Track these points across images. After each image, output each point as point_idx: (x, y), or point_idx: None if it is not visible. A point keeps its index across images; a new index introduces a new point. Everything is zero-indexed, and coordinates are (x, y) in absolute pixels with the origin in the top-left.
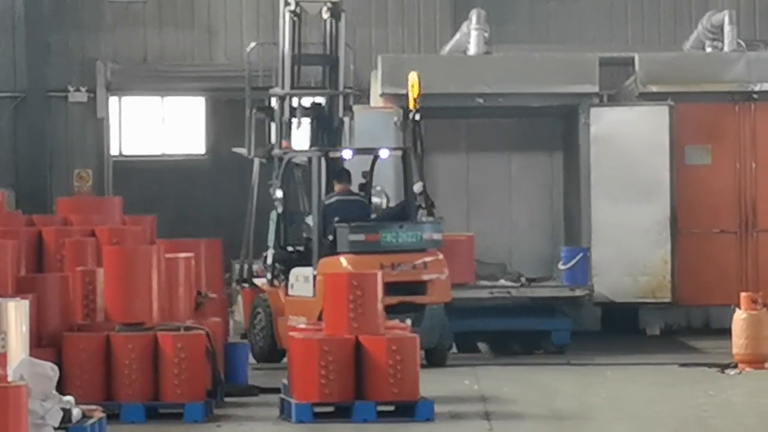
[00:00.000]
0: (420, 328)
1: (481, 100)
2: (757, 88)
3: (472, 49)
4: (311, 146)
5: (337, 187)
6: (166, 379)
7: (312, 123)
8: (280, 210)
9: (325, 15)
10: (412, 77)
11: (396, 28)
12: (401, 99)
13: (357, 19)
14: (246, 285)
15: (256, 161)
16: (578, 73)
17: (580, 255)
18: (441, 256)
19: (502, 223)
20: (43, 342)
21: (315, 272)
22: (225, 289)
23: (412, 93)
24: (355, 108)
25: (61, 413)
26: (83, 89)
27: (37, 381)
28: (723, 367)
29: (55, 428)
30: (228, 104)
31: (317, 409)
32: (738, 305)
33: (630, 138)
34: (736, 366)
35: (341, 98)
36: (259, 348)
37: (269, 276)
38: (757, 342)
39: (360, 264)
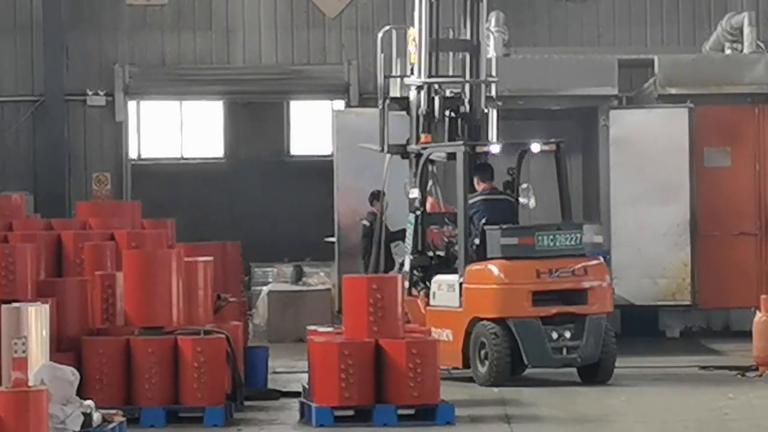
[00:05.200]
0: (580, 341)
1: (499, 103)
2: None
3: (491, 52)
4: (449, 140)
5: (481, 185)
6: (186, 383)
7: (450, 115)
8: (418, 211)
9: None
10: None
11: None
12: None
13: (378, 21)
14: None
15: (387, 157)
16: (597, 75)
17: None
18: (602, 261)
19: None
20: (62, 346)
21: (461, 280)
22: (244, 293)
23: None
24: (374, 111)
25: (82, 417)
26: (101, 93)
27: (57, 385)
28: (743, 370)
29: None
30: (246, 107)
31: (337, 413)
32: (758, 307)
33: (649, 140)
34: (756, 369)
35: (483, 87)
36: None
37: (406, 284)
38: None
39: (513, 270)
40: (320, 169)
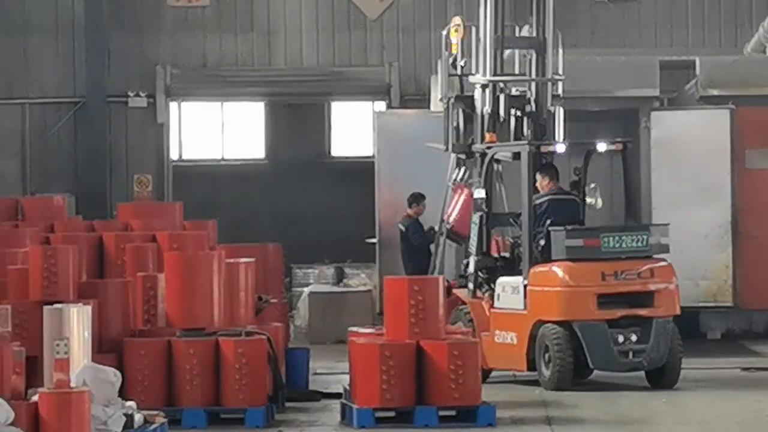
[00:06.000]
0: (647, 344)
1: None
2: None
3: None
4: (515, 140)
5: (546, 185)
6: (228, 385)
7: (516, 114)
8: (483, 211)
9: None
10: None
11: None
12: None
13: (419, 22)
14: None
15: (452, 156)
16: (639, 76)
17: None
18: (668, 263)
19: None
20: (104, 347)
21: (525, 282)
22: (285, 294)
23: None
24: (415, 113)
25: (124, 418)
26: (143, 94)
27: (99, 386)
28: None
29: None
30: (287, 108)
31: (378, 414)
32: None
33: (691, 142)
34: None
35: (549, 86)
36: None
37: (471, 286)
38: None
39: (578, 273)
40: (361, 171)
